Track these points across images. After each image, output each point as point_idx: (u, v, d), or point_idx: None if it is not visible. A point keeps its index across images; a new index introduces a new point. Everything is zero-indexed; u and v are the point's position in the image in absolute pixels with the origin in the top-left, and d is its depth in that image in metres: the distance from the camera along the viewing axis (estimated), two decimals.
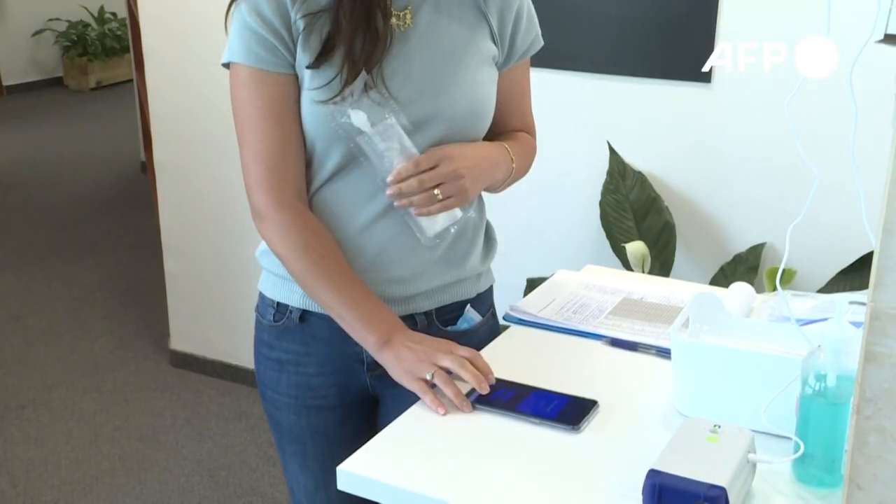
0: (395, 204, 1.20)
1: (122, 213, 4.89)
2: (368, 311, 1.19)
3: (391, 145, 1.17)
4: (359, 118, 1.16)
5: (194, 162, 2.90)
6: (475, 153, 1.24)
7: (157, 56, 2.85)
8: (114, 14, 7.96)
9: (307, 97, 1.18)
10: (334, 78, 1.16)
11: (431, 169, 1.18)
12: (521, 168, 1.33)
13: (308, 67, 1.17)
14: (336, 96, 1.16)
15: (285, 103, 1.19)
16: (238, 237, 2.87)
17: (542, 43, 1.34)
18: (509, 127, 1.36)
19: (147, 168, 4.72)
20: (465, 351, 1.16)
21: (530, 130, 1.41)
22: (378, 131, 1.16)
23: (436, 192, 1.17)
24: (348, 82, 1.15)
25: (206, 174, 2.90)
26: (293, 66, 1.18)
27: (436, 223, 1.23)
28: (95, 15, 7.95)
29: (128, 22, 5.28)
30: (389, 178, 1.18)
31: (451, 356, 1.14)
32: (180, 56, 2.78)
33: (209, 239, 2.98)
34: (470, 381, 1.13)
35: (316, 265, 1.20)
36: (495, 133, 1.35)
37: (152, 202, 3.93)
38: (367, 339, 1.19)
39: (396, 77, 1.19)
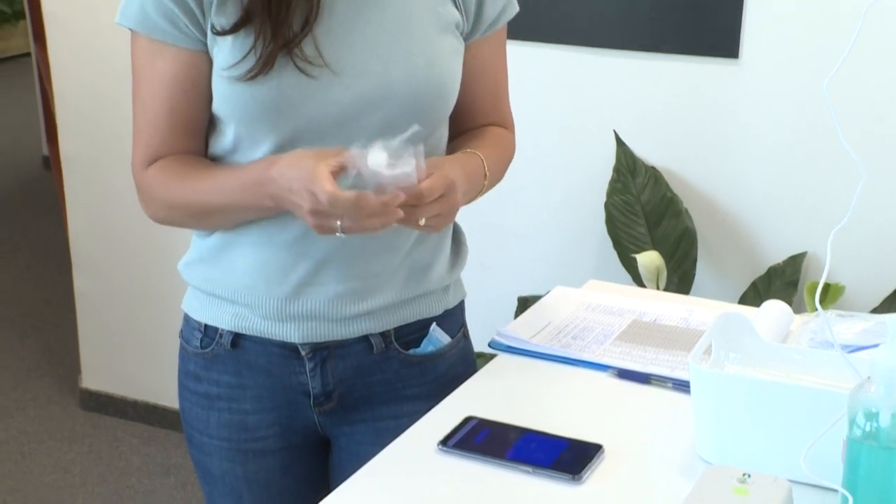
0: None
1: (20, 220, 4.86)
2: (244, 182, 1.21)
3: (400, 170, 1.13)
4: (377, 159, 1.10)
5: (110, 156, 2.89)
6: (462, 178, 1.22)
7: (60, 23, 2.84)
8: None
9: (224, 76, 1.19)
10: (249, 50, 1.17)
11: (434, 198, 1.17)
12: (492, 183, 1.33)
13: (221, 34, 1.18)
14: (253, 70, 1.17)
15: (182, 83, 1.22)
16: (165, 249, 2.86)
17: (516, 8, 1.35)
18: (479, 116, 1.37)
19: (51, 163, 4.68)
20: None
21: (506, 122, 1.41)
22: (395, 171, 1.11)
23: (421, 222, 1.17)
24: (270, 57, 1.16)
25: (124, 171, 2.88)
26: (201, 42, 1.20)
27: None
28: None
29: None
30: (386, 200, 1.13)
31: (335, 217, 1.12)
32: (90, 23, 2.77)
33: (129, 251, 2.96)
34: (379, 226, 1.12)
35: (182, 186, 1.24)
36: (462, 126, 1.36)
37: (58, 206, 3.90)
38: (266, 207, 1.20)
39: (334, 45, 1.20)
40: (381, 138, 1.12)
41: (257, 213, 1.23)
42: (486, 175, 1.29)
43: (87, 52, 2.82)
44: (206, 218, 1.27)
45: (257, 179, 1.18)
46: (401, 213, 1.12)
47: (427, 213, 1.15)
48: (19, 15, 7.41)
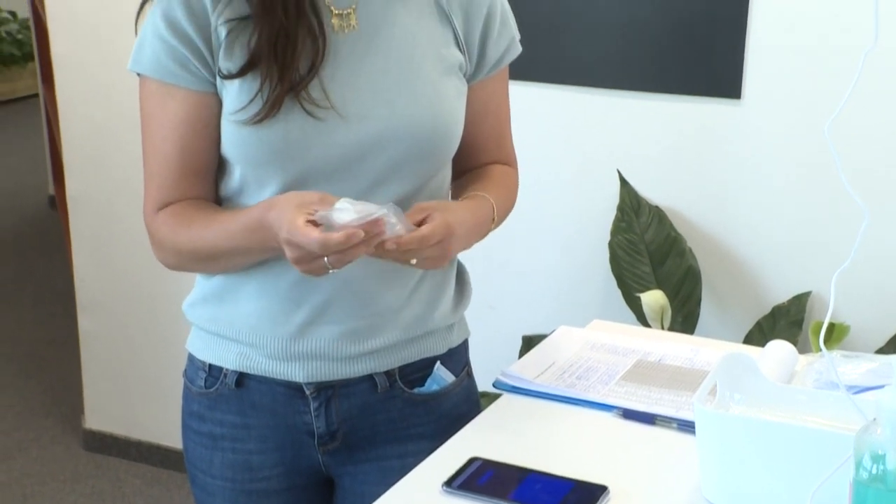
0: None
1: (25, 260, 4.87)
2: (247, 225, 1.21)
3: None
4: (343, 217, 1.10)
5: (116, 196, 2.90)
6: (470, 223, 1.24)
7: (69, 65, 2.87)
8: (13, 14, 7.95)
9: (232, 120, 1.21)
10: (256, 94, 1.19)
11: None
12: (499, 224, 1.34)
13: (229, 77, 1.20)
14: (260, 113, 1.18)
15: (193, 124, 1.23)
16: (169, 289, 2.86)
17: (519, 50, 1.36)
18: (482, 155, 1.38)
19: (57, 203, 4.70)
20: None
21: (510, 160, 1.42)
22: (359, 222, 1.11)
23: (413, 262, 1.18)
24: (277, 100, 1.18)
25: (130, 211, 2.90)
26: (210, 83, 1.22)
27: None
28: None
29: (32, 24, 5.29)
30: (387, 245, 1.14)
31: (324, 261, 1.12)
32: (98, 65, 2.80)
33: (134, 290, 2.97)
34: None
35: (189, 232, 1.24)
36: (466, 165, 1.37)
37: (63, 245, 3.91)
38: (273, 248, 1.20)
39: (340, 88, 1.21)
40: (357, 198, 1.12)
41: (265, 254, 1.23)
42: (494, 219, 1.31)
43: (95, 92, 2.84)
44: (213, 262, 1.28)
45: (259, 223, 1.18)
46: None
47: (423, 254, 1.17)
48: (28, 57, 7.48)
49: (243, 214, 1.22)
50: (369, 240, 1.10)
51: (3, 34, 7.95)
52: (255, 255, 1.24)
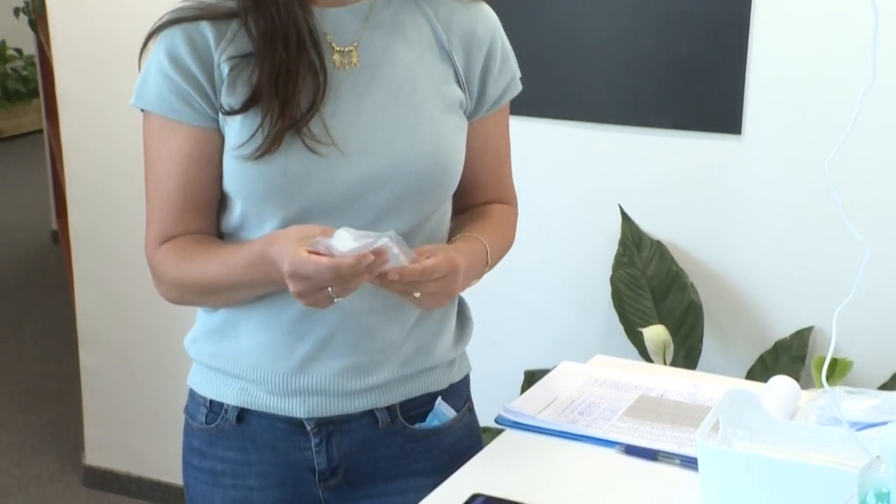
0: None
1: (27, 294, 4.87)
2: (250, 260, 1.21)
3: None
4: (344, 246, 1.10)
5: (118, 231, 2.91)
6: (467, 261, 1.23)
7: (74, 101, 2.89)
8: (19, 51, 8.01)
9: (234, 155, 1.21)
10: (257, 129, 1.19)
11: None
12: (493, 265, 1.33)
13: (231, 113, 1.20)
14: (261, 149, 1.19)
15: (196, 160, 1.23)
16: (171, 324, 2.86)
17: (519, 88, 1.37)
18: (482, 192, 1.38)
19: (60, 238, 4.71)
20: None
21: (509, 198, 1.43)
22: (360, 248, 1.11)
23: (416, 295, 1.17)
24: (278, 136, 1.18)
25: (132, 247, 2.90)
26: (213, 119, 1.23)
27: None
28: None
29: (37, 60, 5.34)
30: (390, 276, 1.14)
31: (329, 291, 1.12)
32: (103, 102, 2.81)
33: (136, 326, 2.96)
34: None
35: (190, 266, 1.24)
36: (465, 203, 1.37)
37: (65, 280, 3.92)
38: (277, 281, 1.19)
39: (341, 124, 1.22)
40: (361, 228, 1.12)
41: (268, 287, 1.23)
42: (487, 262, 1.30)
43: (99, 128, 2.86)
44: (216, 296, 1.28)
45: (261, 257, 1.18)
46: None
47: (426, 289, 1.16)
48: (33, 93, 7.53)
49: (245, 249, 1.22)
50: (373, 267, 1.10)
51: (9, 71, 8.01)
52: (257, 289, 1.24)
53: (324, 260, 1.09)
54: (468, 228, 1.33)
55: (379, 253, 1.09)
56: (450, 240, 1.33)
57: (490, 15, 1.34)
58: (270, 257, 1.16)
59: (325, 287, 1.11)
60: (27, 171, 6.83)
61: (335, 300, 1.13)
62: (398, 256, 1.12)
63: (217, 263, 1.24)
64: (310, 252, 1.10)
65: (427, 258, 1.17)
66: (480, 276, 1.31)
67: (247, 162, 1.20)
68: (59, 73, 2.90)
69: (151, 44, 1.24)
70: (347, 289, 1.12)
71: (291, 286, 1.12)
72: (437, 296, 1.19)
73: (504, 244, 1.38)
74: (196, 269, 1.25)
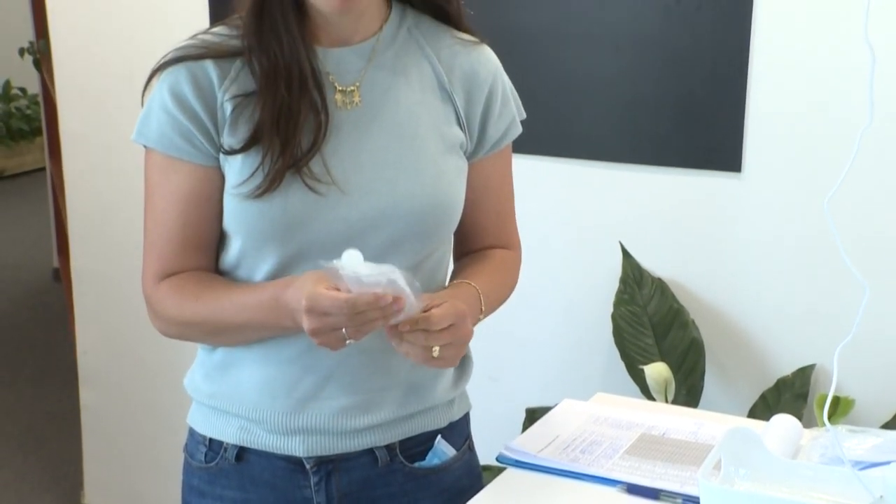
0: (392, 341, 1.18)
1: (27, 332, 4.86)
2: (262, 302, 1.21)
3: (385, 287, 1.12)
4: (352, 258, 1.09)
5: (120, 269, 2.91)
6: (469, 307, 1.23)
7: (77, 140, 2.90)
8: (23, 90, 8.07)
9: (234, 193, 1.22)
10: (258, 168, 1.20)
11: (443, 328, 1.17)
12: (489, 313, 1.33)
13: (232, 153, 1.21)
14: (261, 187, 1.19)
15: (196, 198, 1.24)
16: (172, 363, 2.85)
17: (519, 129, 1.38)
18: (484, 235, 1.38)
19: (61, 275, 4.72)
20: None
21: (511, 243, 1.42)
22: (371, 278, 1.10)
23: (435, 350, 1.16)
24: (278, 175, 1.19)
25: (133, 285, 2.89)
26: (214, 158, 1.23)
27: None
28: (0, 91, 8.07)
29: (41, 99, 5.38)
30: (401, 327, 1.15)
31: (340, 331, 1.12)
32: (105, 141, 2.83)
33: (136, 364, 2.96)
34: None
35: (196, 305, 1.24)
36: (468, 246, 1.38)
37: (65, 318, 3.91)
38: (286, 326, 1.20)
39: (342, 163, 1.22)
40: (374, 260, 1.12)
41: (276, 332, 1.23)
42: (482, 309, 1.29)
43: (101, 167, 2.87)
44: (220, 336, 1.28)
45: (276, 300, 1.18)
46: (397, 309, 1.10)
47: (437, 341, 1.15)
48: (36, 132, 7.57)
49: (259, 291, 1.22)
50: (388, 311, 1.10)
51: (13, 110, 8.07)
52: (265, 332, 1.24)
53: (341, 295, 1.08)
54: (464, 275, 1.33)
55: (397, 298, 1.09)
56: (446, 286, 1.33)
57: (491, 57, 1.35)
58: (284, 300, 1.16)
59: (340, 326, 1.11)
60: (29, 209, 6.85)
61: (347, 342, 1.12)
62: (413, 306, 1.11)
63: (226, 304, 1.24)
64: (329, 289, 1.10)
65: (428, 309, 1.16)
66: (476, 322, 1.30)
67: (247, 200, 1.20)
68: (63, 112, 2.92)
69: (155, 81, 1.25)
70: (362, 331, 1.11)
71: (307, 323, 1.12)
72: (453, 346, 1.18)
73: (503, 290, 1.38)
74: (202, 308, 1.25)
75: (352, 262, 1.08)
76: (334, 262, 1.09)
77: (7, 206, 7.30)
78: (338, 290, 1.10)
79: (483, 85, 1.32)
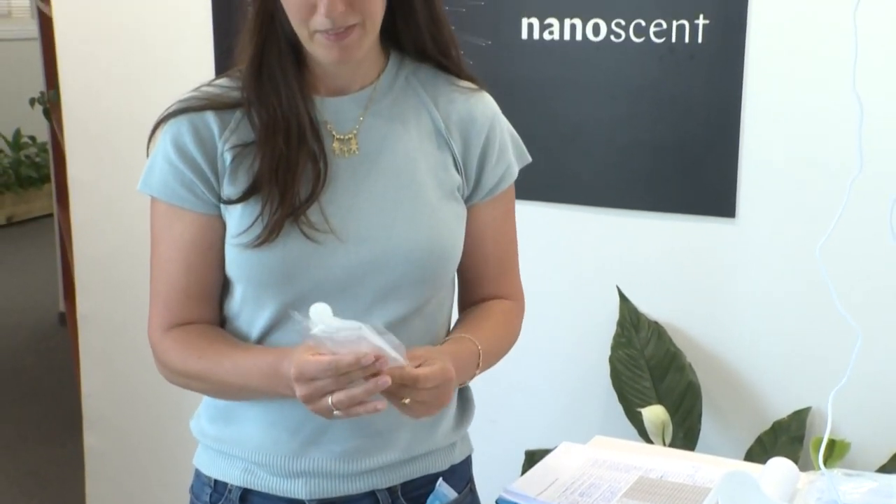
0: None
1: (32, 376, 4.84)
2: (262, 369, 1.21)
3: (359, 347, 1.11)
4: (319, 312, 1.09)
5: (125, 314, 2.91)
6: (455, 365, 1.21)
7: (84, 187, 2.92)
8: (32, 138, 8.12)
9: (234, 243, 1.22)
10: (257, 218, 1.21)
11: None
12: (486, 368, 1.31)
13: (230, 203, 1.22)
14: (261, 237, 1.20)
15: (199, 246, 1.25)
16: (178, 406, 2.84)
17: (515, 176, 1.38)
18: (486, 283, 1.37)
19: (67, 320, 4.71)
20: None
21: (515, 294, 1.41)
22: (341, 334, 1.10)
23: (405, 401, 1.15)
24: (277, 224, 1.19)
25: (139, 329, 2.88)
26: (215, 207, 1.24)
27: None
28: (10, 139, 8.12)
29: (49, 147, 5.41)
30: (382, 382, 1.11)
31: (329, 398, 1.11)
32: (113, 188, 2.84)
33: (141, 407, 2.95)
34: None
35: (198, 362, 1.24)
36: (470, 295, 1.37)
37: (70, 362, 3.90)
38: (284, 394, 1.19)
39: (339, 211, 1.23)
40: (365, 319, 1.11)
41: (274, 397, 1.24)
42: (478, 364, 1.28)
43: (108, 214, 2.88)
44: (220, 393, 1.29)
45: (274, 369, 1.18)
46: (386, 380, 1.09)
47: (418, 396, 1.14)
48: (45, 179, 7.60)
49: (258, 356, 1.22)
50: (369, 370, 1.09)
51: (23, 157, 8.11)
52: (263, 395, 1.25)
53: (324, 358, 1.09)
54: (464, 328, 1.32)
55: (379, 357, 1.09)
56: (445, 338, 1.32)
57: (489, 103, 1.35)
58: (282, 371, 1.16)
59: (329, 390, 1.10)
60: (37, 254, 6.85)
61: (335, 413, 1.11)
62: (397, 360, 1.11)
63: (227, 366, 1.24)
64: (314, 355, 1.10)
65: (418, 365, 1.15)
66: (471, 377, 1.30)
67: (247, 250, 1.21)
68: (71, 160, 2.94)
69: (159, 132, 1.26)
70: (350, 397, 1.10)
71: (298, 391, 1.12)
72: (427, 405, 1.17)
73: (503, 344, 1.37)
74: (204, 367, 1.25)
75: (320, 315, 1.09)
76: (306, 318, 1.09)
77: (16, 250, 7.31)
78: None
79: (480, 130, 1.32)
